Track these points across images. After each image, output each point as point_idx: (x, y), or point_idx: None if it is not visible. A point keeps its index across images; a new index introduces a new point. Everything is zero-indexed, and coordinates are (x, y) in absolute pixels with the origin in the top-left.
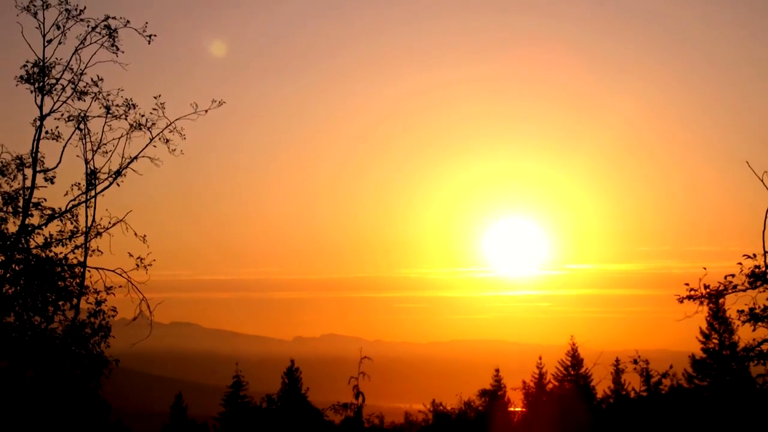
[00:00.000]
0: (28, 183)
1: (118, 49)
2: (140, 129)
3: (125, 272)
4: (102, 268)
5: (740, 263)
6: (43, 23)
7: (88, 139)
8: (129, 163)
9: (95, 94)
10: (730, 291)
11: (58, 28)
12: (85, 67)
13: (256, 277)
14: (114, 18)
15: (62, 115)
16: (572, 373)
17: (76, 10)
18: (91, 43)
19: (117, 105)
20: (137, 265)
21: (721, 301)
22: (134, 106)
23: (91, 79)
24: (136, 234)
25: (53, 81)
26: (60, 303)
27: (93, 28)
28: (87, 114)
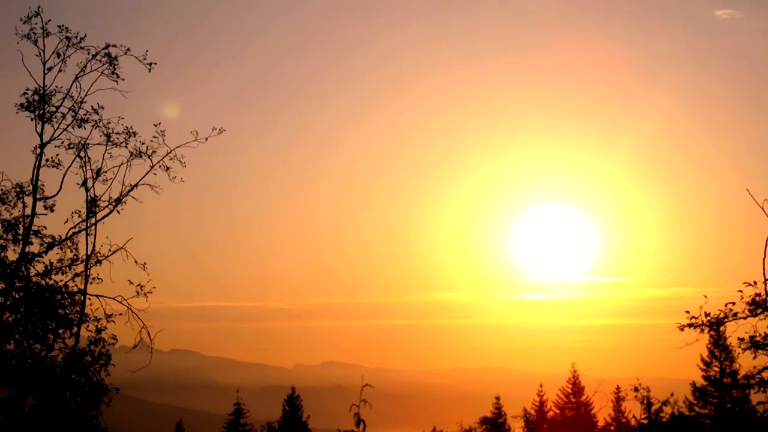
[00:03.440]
0: (28, 211)
1: (118, 76)
2: (140, 157)
3: (125, 300)
4: (102, 296)
5: (741, 291)
6: (44, 51)
7: (88, 167)
8: (129, 190)
9: (95, 121)
10: (730, 319)
11: (59, 55)
12: (86, 95)
13: (257, 304)
14: (114, 46)
15: (62, 142)
16: (573, 400)
17: (76, 37)
18: (91, 71)
19: (117, 132)
20: (137, 293)
21: (721, 328)
22: (134, 133)
23: (92, 107)
24: (136, 261)
25: (53, 109)
26: (60, 331)
27: (93, 56)
28: (87, 142)
